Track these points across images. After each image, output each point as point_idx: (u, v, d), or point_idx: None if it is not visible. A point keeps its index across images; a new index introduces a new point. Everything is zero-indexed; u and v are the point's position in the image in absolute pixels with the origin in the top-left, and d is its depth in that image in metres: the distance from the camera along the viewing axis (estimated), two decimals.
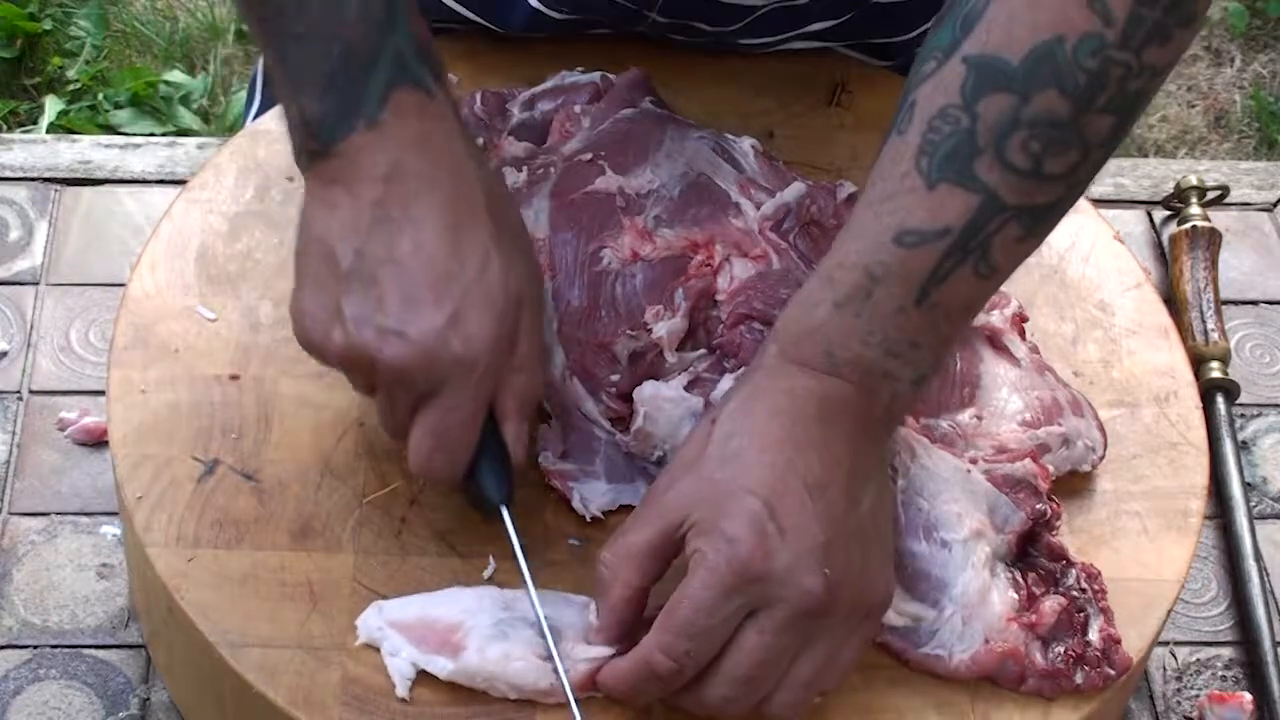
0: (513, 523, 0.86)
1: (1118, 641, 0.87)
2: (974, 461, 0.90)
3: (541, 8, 1.09)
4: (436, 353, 0.81)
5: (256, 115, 1.20)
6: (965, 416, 0.93)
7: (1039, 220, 0.81)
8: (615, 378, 0.92)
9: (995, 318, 0.97)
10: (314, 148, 0.84)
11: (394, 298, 0.81)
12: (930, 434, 0.91)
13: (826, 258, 0.83)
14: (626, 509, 0.90)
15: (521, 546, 0.85)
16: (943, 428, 0.92)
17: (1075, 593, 0.87)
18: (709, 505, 0.80)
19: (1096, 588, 0.88)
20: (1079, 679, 0.86)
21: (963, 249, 0.80)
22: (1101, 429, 0.95)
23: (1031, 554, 0.89)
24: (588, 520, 0.90)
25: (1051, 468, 0.92)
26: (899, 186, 0.80)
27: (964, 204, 0.79)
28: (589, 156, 1.00)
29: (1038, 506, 0.89)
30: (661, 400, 0.90)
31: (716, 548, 0.78)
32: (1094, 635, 0.87)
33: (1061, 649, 0.86)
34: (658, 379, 0.92)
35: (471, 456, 0.84)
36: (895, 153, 0.81)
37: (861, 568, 0.80)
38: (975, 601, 0.86)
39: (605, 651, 0.82)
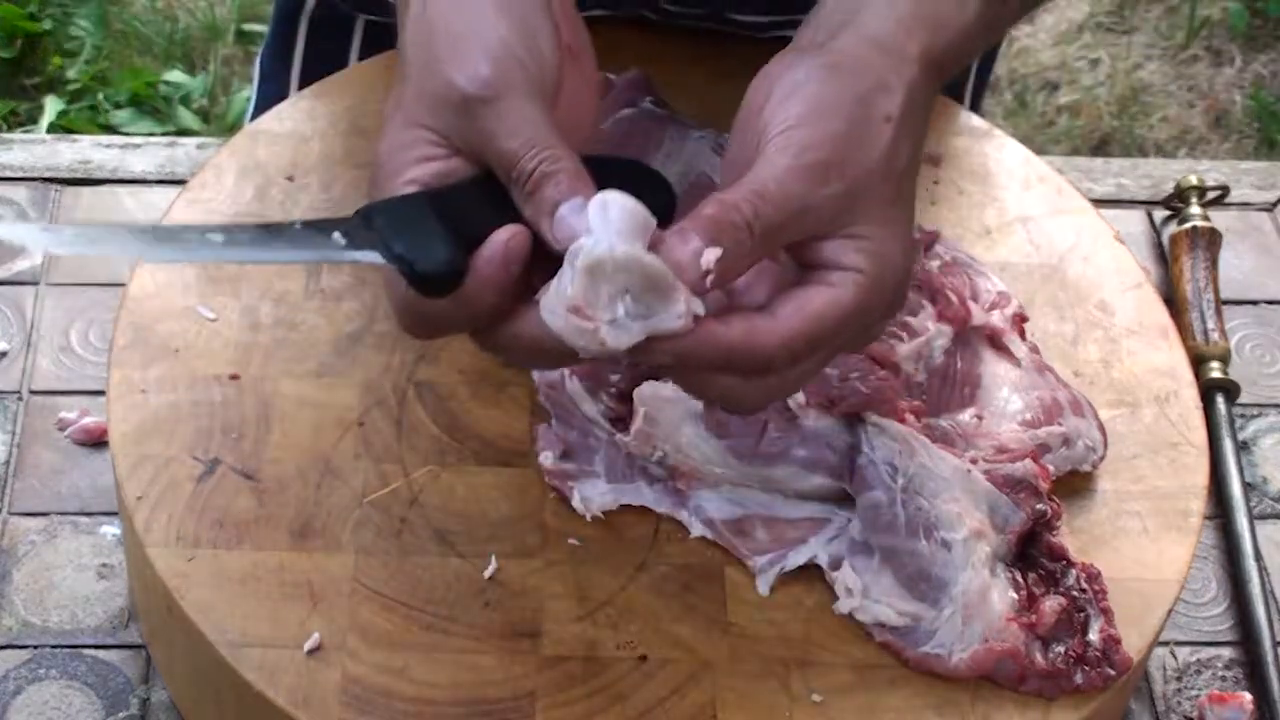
0: None
1: (1118, 641, 0.87)
2: (974, 461, 0.90)
3: None
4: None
5: (255, 114, 1.20)
6: (966, 416, 0.93)
7: None
8: (615, 378, 0.92)
9: (996, 318, 0.97)
10: None
11: None
12: (930, 433, 0.91)
13: None
14: (627, 509, 0.91)
15: None
16: (943, 427, 0.92)
17: (1075, 593, 0.87)
18: (879, 250, 0.75)
19: (1097, 588, 0.88)
20: (1079, 679, 0.86)
21: None
22: (1102, 429, 0.95)
23: (1032, 554, 0.89)
24: (588, 520, 0.90)
25: (1052, 468, 0.92)
26: None
27: None
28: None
29: (1038, 507, 0.89)
30: (661, 400, 0.90)
31: (864, 294, 0.74)
32: (1094, 635, 0.87)
33: (1062, 649, 0.86)
34: (658, 379, 0.92)
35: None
36: None
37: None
38: (975, 601, 0.86)
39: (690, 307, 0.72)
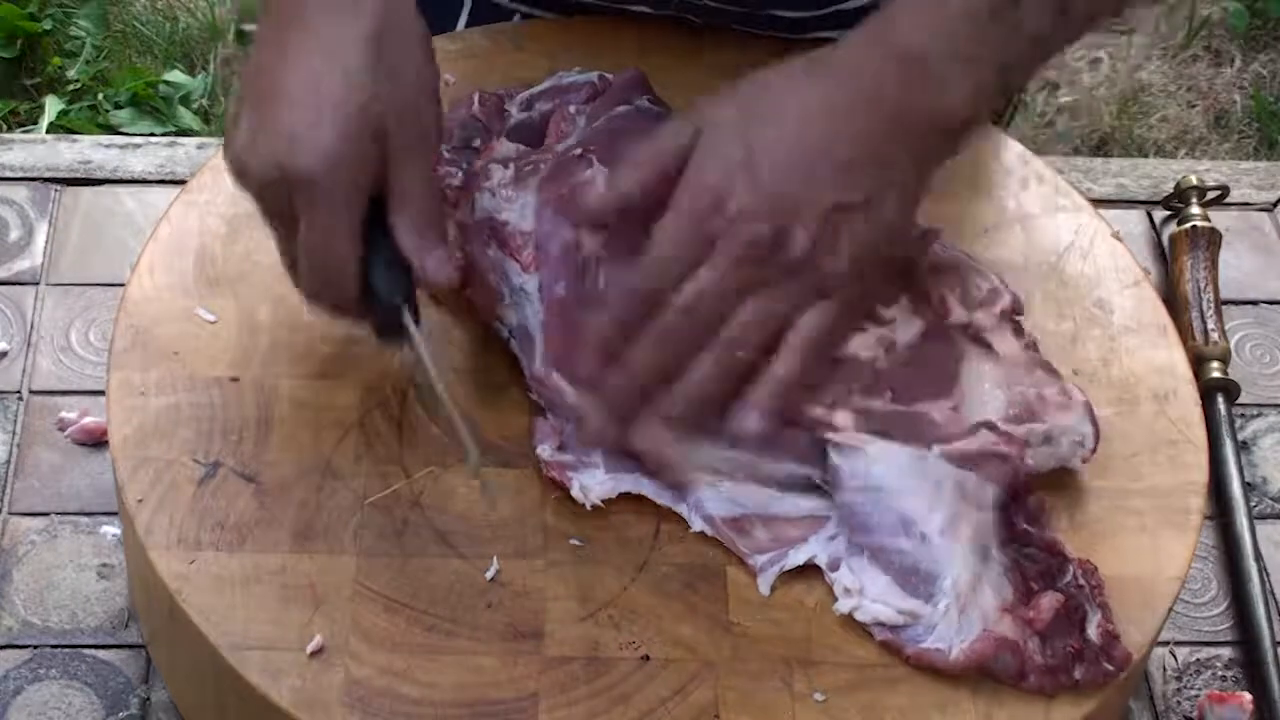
0: (414, 319, 0.88)
1: (1116, 637, 0.87)
2: (928, 446, 0.89)
3: None
4: (282, 167, 0.83)
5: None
6: (941, 407, 0.92)
7: None
8: None
9: (981, 314, 0.96)
10: None
11: (257, 119, 0.84)
12: (891, 422, 0.90)
13: None
14: (626, 497, 0.91)
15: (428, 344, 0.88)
16: (909, 414, 0.91)
17: (1073, 589, 0.87)
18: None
19: (1093, 583, 0.88)
20: (1078, 674, 0.86)
21: None
22: (1094, 422, 0.94)
23: (1030, 551, 0.89)
24: (588, 509, 0.90)
25: (1032, 461, 0.91)
26: None
27: None
28: (578, 151, 1.00)
29: (1005, 470, 0.89)
30: None
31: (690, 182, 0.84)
32: (1092, 631, 0.87)
33: (1061, 645, 0.86)
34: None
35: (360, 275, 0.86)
36: None
37: (831, 234, 0.84)
38: (967, 590, 0.86)
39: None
